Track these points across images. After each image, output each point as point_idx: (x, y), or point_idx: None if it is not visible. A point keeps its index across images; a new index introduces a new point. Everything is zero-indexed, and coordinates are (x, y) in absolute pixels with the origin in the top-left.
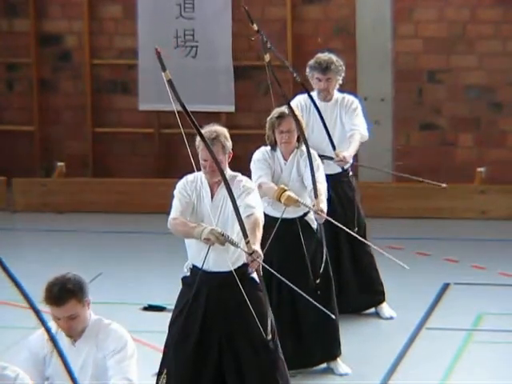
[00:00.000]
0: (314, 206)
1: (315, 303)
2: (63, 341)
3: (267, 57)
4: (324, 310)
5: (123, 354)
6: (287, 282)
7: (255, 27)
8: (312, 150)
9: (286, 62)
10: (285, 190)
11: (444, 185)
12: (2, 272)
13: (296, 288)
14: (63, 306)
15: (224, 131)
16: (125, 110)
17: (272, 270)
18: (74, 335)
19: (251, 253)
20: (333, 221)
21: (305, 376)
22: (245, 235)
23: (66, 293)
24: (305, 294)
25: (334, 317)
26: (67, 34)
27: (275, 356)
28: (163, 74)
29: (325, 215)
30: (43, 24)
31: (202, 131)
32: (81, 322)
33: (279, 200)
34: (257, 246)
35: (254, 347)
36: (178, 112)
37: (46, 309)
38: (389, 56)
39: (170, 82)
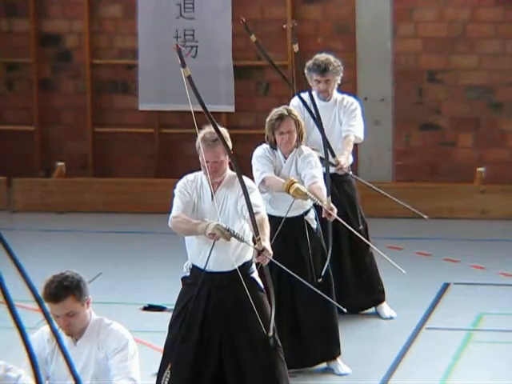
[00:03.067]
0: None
1: (328, 298)
2: (64, 340)
3: (296, 47)
4: (337, 305)
5: (125, 354)
6: (297, 276)
7: (253, 38)
8: (310, 150)
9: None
10: (294, 182)
11: (426, 216)
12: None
13: (306, 282)
14: (60, 302)
15: (224, 132)
16: (125, 110)
17: (285, 268)
18: (74, 334)
19: (262, 250)
20: (342, 221)
21: (305, 376)
22: (256, 232)
23: (63, 289)
24: (316, 289)
25: (345, 310)
26: (67, 33)
27: (275, 356)
28: (182, 70)
29: (335, 213)
30: (43, 24)
31: (203, 132)
32: (80, 321)
33: (288, 191)
34: (266, 243)
35: (254, 347)
36: (176, 112)
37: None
38: (389, 56)
39: (189, 78)
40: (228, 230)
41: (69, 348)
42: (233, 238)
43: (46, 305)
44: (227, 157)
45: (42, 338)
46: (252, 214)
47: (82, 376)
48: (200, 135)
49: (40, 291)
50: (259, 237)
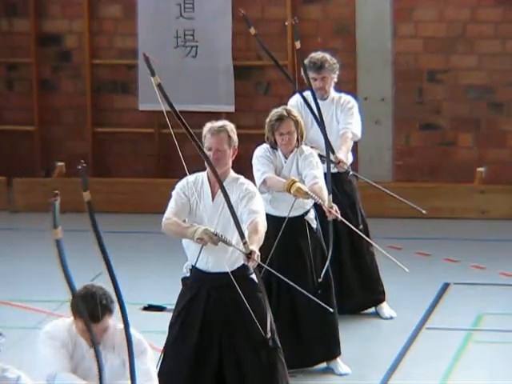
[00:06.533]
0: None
1: (313, 298)
2: (81, 343)
3: (298, 44)
4: (322, 304)
5: (145, 357)
6: (288, 281)
7: (253, 31)
8: (311, 150)
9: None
10: (295, 182)
11: (424, 211)
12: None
13: (296, 286)
14: (99, 322)
15: (232, 125)
16: (125, 110)
17: (273, 271)
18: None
19: (249, 253)
20: (344, 220)
21: (305, 376)
22: (242, 236)
23: (102, 310)
24: (305, 291)
25: (331, 310)
26: (67, 33)
27: (275, 356)
28: (152, 78)
29: (335, 212)
30: (43, 24)
31: (210, 125)
32: (107, 331)
33: (289, 191)
34: (253, 247)
35: (254, 348)
36: (177, 112)
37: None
38: (389, 56)
39: (159, 86)
40: (216, 235)
41: (85, 351)
42: None
43: (80, 323)
44: (231, 150)
45: (63, 329)
46: (235, 218)
47: (97, 379)
48: (205, 128)
49: (71, 307)
50: (245, 240)
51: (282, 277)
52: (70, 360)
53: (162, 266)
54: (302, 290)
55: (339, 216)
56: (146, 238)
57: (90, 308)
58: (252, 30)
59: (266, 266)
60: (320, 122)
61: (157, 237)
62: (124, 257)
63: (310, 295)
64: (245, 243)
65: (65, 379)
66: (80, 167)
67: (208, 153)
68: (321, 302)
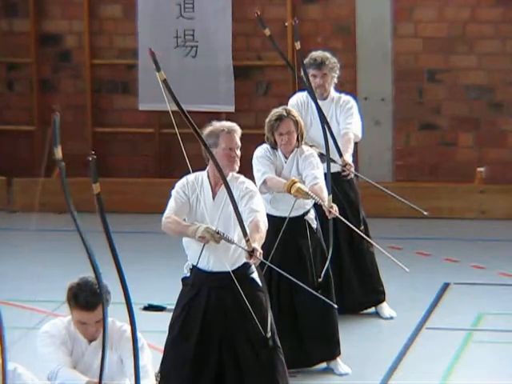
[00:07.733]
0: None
1: (318, 294)
2: (79, 340)
3: (297, 44)
4: (326, 299)
5: (141, 355)
6: (290, 277)
7: (267, 32)
8: (312, 150)
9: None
10: (295, 182)
11: (426, 212)
12: None
13: (299, 282)
14: (94, 310)
15: (237, 127)
16: (125, 110)
17: (277, 268)
18: (97, 338)
19: (251, 250)
20: (344, 220)
21: (305, 376)
22: (244, 234)
23: (96, 297)
24: (308, 288)
25: (335, 306)
26: (67, 33)
27: (275, 356)
28: (157, 74)
29: (335, 212)
30: (43, 24)
31: (217, 124)
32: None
33: (289, 191)
34: (255, 244)
35: (254, 347)
36: (175, 112)
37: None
38: (389, 56)
39: (164, 81)
40: (218, 233)
41: (84, 348)
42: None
43: (76, 313)
44: None
45: (60, 327)
46: (239, 216)
47: (95, 376)
48: (214, 127)
49: (67, 299)
50: (248, 238)
51: (284, 273)
52: (70, 357)
53: (162, 266)
54: (305, 286)
55: (339, 216)
56: (146, 238)
57: (83, 294)
58: (267, 31)
59: (268, 263)
60: (325, 123)
61: (157, 237)
62: (124, 257)
63: (312, 291)
64: (247, 241)
65: (67, 375)
66: (90, 158)
67: (228, 152)
68: (323, 297)
